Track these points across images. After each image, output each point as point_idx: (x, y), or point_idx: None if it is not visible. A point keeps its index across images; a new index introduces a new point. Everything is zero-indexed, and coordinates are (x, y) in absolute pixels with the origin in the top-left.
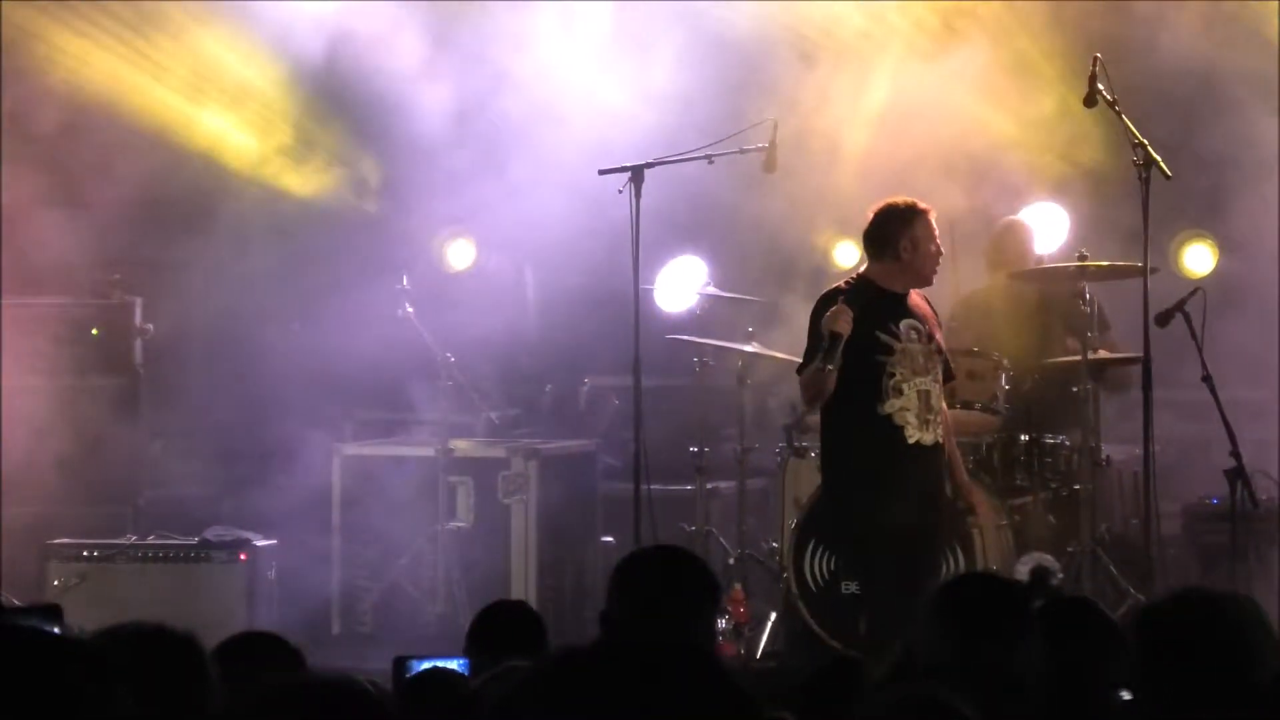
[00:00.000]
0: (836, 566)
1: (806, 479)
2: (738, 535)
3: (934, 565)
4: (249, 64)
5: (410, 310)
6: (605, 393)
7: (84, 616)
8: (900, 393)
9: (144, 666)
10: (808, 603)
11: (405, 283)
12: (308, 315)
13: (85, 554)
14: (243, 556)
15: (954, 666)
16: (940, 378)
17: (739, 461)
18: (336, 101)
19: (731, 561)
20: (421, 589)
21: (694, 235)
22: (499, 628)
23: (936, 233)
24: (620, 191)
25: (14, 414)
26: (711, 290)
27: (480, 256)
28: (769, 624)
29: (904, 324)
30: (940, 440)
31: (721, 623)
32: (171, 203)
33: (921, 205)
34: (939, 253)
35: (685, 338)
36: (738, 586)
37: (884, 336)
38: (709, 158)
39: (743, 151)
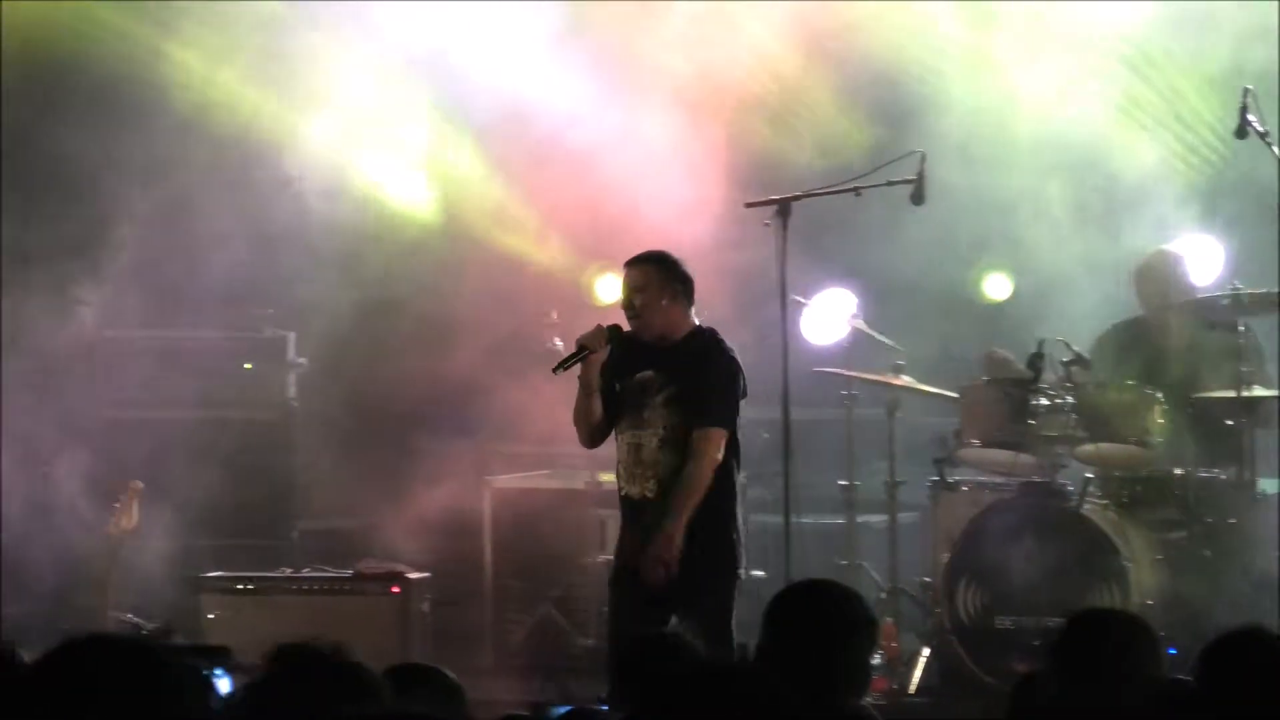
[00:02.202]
0: (989, 601)
1: (958, 513)
2: (889, 569)
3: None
4: (410, 110)
5: (559, 344)
6: (753, 425)
7: (237, 650)
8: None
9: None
10: (961, 638)
11: (555, 316)
12: (457, 348)
13: (240, 587)
14: (395, 589)
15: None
16: (671, 430)
17: (889, 495)
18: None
19: (883, 596)
20: (573, 621)
21: (843, 267)
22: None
23: (625, 285)
24: (766, 224)
25: (167, 447)
26: (860, 325)
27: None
28: (922, 659)
29: (639, 375)
30: (650, 495)
31: (874, 658)
32: (325, 239)
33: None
34: (626, 307)
35: (834, 370)
36: (889, 621)
37: (617, 385)
38: (856, 190)
39: (890, 184)
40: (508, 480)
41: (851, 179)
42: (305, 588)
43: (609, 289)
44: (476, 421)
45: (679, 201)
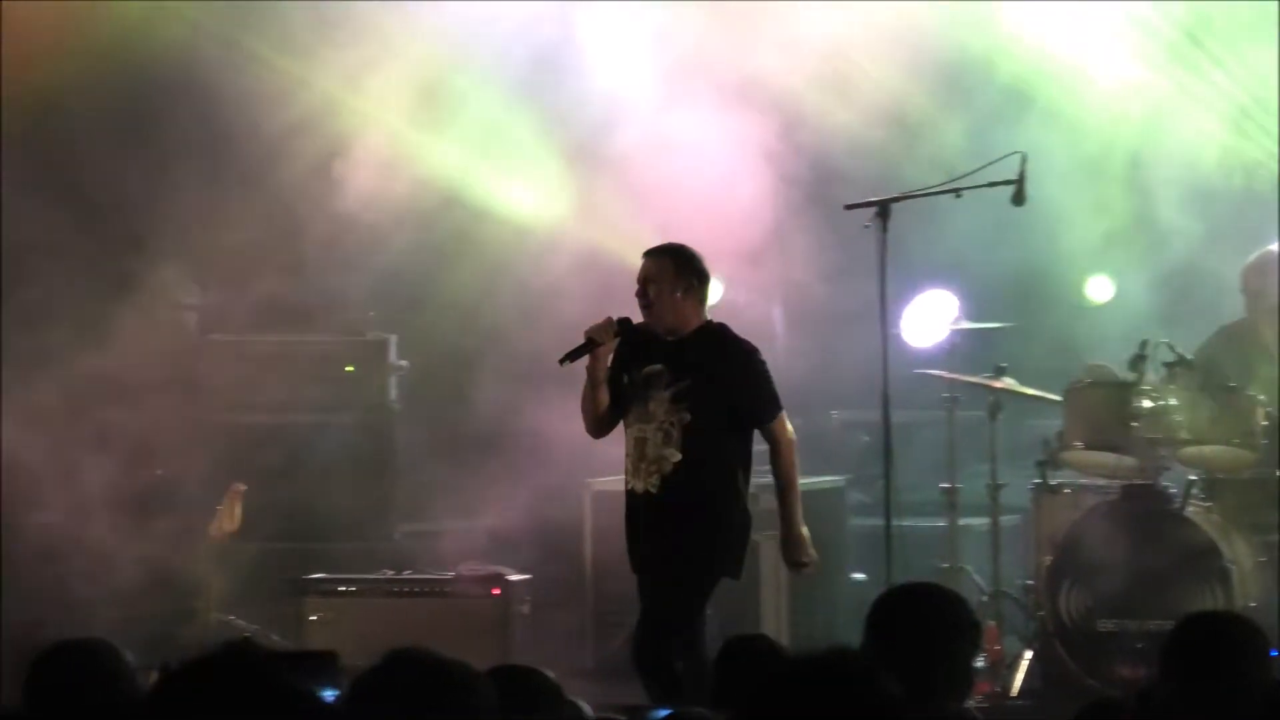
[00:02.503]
0: (1091, 604)
1: (1060, 515)
2: (991, 572)
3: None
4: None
5: None
6: (853, 428)
7: (339, 652)
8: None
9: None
10: (1063, 640)
11: None
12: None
13: (341, 589)
14: (496, 591)
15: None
16: (676, 425)
17: (991, 497)
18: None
19: (985, 599)
20: None
21: (943, 269)
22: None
23: (640, 275)
24: (866, 226)
25: (269, 450)
26: (962, 324)
27: (728, 292)
28: (1024, 662)
29: (648, 369)
30: (653, 490)
31: (977, 661)
32: (429, 241)
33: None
34: (639, 295)
35: (935, 372)
36: (992, 624)
37: (625, 377)
38: (956, 192)
39: (991, 185)
40: (608, 482)
41: (952, 180)
42: (406, 590)
43: (716, 291)
44: (578, 424)
45: (780, 203)
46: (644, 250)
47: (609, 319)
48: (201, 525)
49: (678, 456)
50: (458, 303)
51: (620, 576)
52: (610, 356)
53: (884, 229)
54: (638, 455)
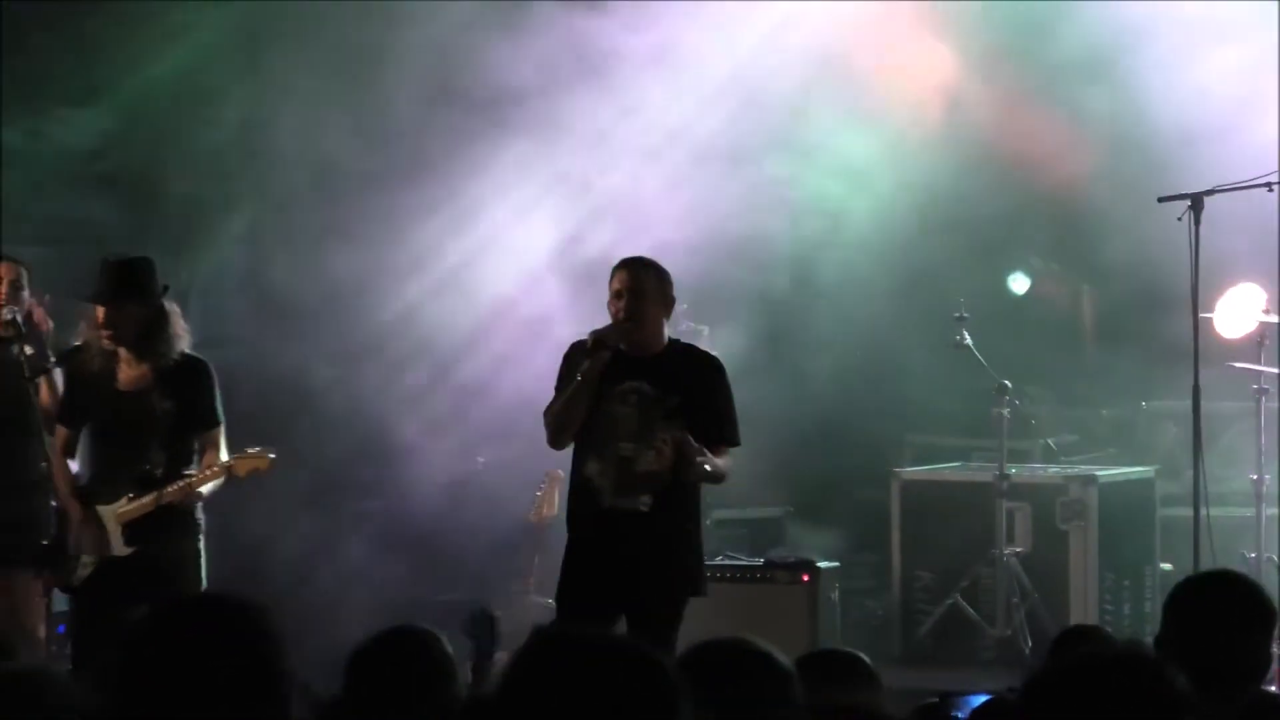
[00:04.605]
0: None
1: None
2: None
3: None
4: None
5: (967, 338)
6: (1162, 420)
7: None
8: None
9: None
10: None
11: (963, 311)
12: (865, 343)
13: None
14: (805, 577)
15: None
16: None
17: None
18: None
19: None
20: (981, 612)
21: (1255, 261)
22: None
23: (621, 285)
24: (1179, 219)
25: None
26: (1273, 317)
27: (1036, 283)
28: None
29: (628, 385)
30: (644, 509)
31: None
32: (731, 229)
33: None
34: (622, 307)
35: (1245, 365)
36: None
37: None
38: (1270, 185)
39: None
40: (915, 472)
41: (1264, 175)
42: (718, 575)
43: (1020, 283)
44: (886, 414)
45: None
46: (622, 260)
47: (619, 324)
48: (523, 511)
49: (666, 476)
50: (769, 291)
51: (927, 565)
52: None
53: (1196, 222)
54: (619, 473)
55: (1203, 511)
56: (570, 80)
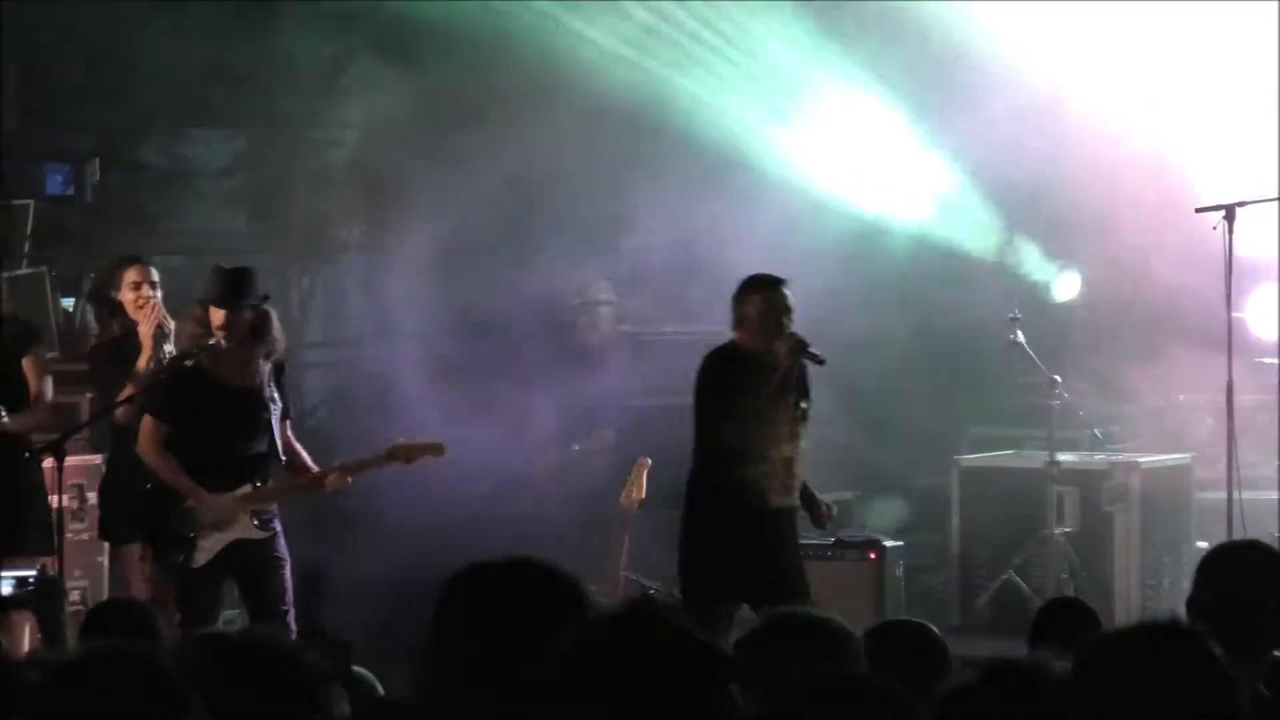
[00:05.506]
0: None
1: None
2: None
3: None
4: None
5: (1021, 337)
6: (1198, 411)
7: None
8: (764, 459)
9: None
10: None
11: (1017, 312)
12: (925, 345)
13: None
14: (872, 555)
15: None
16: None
17: None
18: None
19: None
20: (1033, 587)
21: None
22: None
23: (784, 303)
24: (1215, 229)
25: (672, 429)
26: None
27: (1085, 288)
28: None
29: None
30: (795, 504)
31: None
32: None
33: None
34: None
35: (1269, 360)
36: None
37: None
38: None
39: None
40: (974, 460)
41: None
42: None
43: (1069, 286)
44: (948, 407)
45: (1146, 203)
46: (772, 279)
47: (798, 342)
48: (615, 494)
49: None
50: (848, 290)
51: (983, 543)
52: None
53: (1230, 231)
54: (785, 473)
55: (1235, 495)
56: None
